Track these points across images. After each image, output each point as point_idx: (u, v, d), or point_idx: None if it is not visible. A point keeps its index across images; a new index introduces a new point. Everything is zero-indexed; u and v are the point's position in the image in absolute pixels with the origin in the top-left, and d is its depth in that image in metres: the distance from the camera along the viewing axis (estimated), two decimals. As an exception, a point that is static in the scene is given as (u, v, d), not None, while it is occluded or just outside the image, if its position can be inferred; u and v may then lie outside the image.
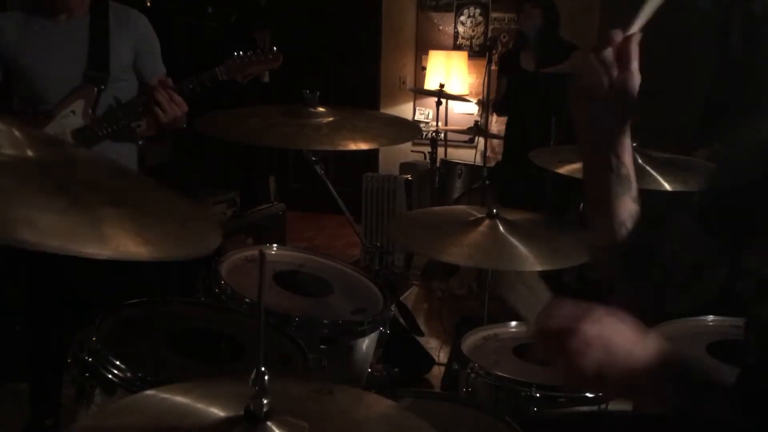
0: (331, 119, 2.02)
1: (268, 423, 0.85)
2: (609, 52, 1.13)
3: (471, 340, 1.97)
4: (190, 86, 2.39)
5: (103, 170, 1.05)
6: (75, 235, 0.80)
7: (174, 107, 2.34)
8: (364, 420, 0.96)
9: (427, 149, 5.10)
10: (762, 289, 1.02)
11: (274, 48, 2.49)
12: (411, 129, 2.46)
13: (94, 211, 0.85)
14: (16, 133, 0.92)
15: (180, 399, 0.92)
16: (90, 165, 1.05)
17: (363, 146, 1.96)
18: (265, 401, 0.84)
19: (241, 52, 2.44)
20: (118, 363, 1.39)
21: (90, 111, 2.38)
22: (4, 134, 0.92)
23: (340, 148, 1.96)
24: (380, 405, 1.00)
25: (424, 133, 5.57)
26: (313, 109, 2.05)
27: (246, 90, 2.63)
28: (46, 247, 0.75)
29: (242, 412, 0.85)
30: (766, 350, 1.04)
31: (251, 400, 0.84)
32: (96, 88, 2.39)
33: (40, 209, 0.80)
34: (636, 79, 1.13)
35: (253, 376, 0.85)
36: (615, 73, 1.13)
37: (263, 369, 0.84)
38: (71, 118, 2.37)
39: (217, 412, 0.89)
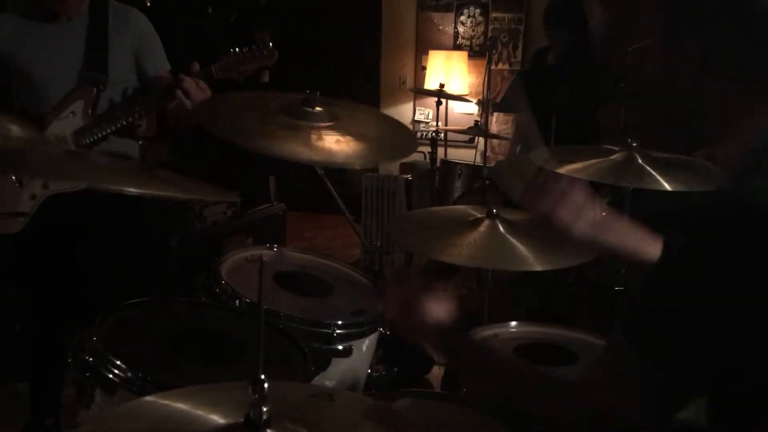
0: (329, 124, 1.93)
1: (268, 430, 0.85)
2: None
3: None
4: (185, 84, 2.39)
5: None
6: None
7: (200, 93, 2.32)
8: (363, 426, 0.96)
9: (427, 149, 5.09)
10: None
11: (270, 44, 2.48)
12: (408, 140, 2.31)
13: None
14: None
15: (180, 405, 0.92)
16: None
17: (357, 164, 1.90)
18: (265, 409, 0.85)
19: (236, 49, 2.43)
20: (118, 363, 1.39)
21: (90, 111, 2.38)
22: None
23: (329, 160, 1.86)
24: (379, 410, 1.00)
25: (424, 133, 5.57)
26: (311, 110, 2.01)
27: (246, 91, 2.62)
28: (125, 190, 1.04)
29: (242, 420, 0.85)
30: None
31: (251, 408, 0.85)
32: (95, 89, 2.39)
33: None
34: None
35: (252, 383, 0.85)
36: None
37: (263, 377, 0.85)
38: (71, 119, 2.37)
39: (217, 418, 0.89)
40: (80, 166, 1.09)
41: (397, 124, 2.10)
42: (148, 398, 0.95)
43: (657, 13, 0.92)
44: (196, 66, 2.39)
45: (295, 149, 1.75)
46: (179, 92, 2.29)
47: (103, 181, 1.12)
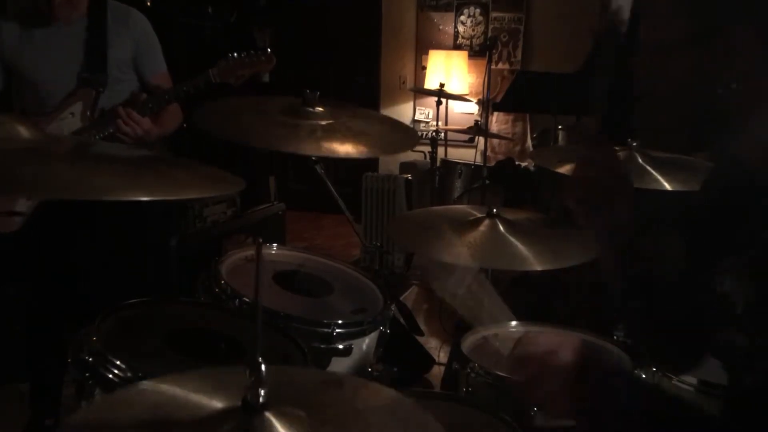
0: (329, 121, 1.94)
1: (266, 413, 0.84)
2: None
3: (471, 340, 1.97)
4: (184, 89, 2.39)
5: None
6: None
7: (133, 126, 2.34)
8: (364, 410, 0.95)
9: (427, 149, 5.10)
10: (727, 313, 0.99)
11: (268, 49, 2.48)
12: (410, 137, 2.33)
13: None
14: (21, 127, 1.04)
15: (177, 390, 0.92)
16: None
17: (356, 154, 1.88)
18: (262, 391, 0.84)
19: (234, 54, 2.43)
20: (118, 363, 1.39)
21: (89, 113, 2.39)
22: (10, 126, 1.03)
23: (331, 155, 1.86)
24: (382, 395, 1.00)
25: (424, 133, 5.57)
26: (311, 109, 2.01)
27: (245, 90, 2.62)
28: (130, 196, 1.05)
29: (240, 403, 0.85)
30: (734, 375, 1.01)
31: (248, 390, 0.84)
32: (94, 91, 2.39)
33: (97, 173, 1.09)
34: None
35: (249, 365, 0.84)
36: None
37: (260, 359, 0.84)
38: (70, 120, 2.38)
39: (216, 403, 0.89)
40: (83, 180, 1.07)
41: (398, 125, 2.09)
42: (144, 383, 0.95)
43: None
44: (138, 95, 2.43)
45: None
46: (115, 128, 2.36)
47: (107, 194, 1.09)
